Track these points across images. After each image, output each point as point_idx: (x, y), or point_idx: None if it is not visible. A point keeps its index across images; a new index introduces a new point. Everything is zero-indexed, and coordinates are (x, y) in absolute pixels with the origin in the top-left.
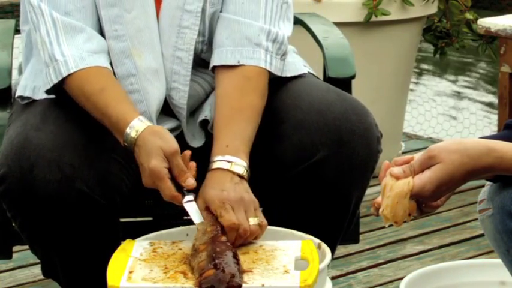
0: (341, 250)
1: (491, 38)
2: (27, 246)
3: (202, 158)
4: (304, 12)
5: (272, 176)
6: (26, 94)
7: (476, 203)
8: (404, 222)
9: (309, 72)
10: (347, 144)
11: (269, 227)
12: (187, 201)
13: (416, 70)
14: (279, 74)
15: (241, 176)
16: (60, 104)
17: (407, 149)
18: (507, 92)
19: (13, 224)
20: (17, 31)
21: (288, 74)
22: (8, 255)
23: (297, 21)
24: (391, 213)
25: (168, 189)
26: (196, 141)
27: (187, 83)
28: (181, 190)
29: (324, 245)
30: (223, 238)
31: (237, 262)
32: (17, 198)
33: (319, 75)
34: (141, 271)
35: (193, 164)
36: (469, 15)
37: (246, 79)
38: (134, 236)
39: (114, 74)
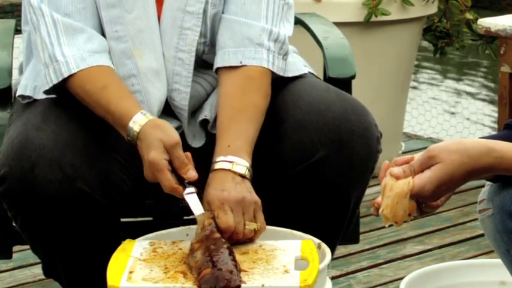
0: (341, 250)
1: (491, 38)
2: (27, 246)
3: (203, 158)
4: (304, 12)
5: (272, 175)
6: (27, 93)
7: (476, 203)
8: (405, 222)
9: (309, 72)
10: (347, 144)
11: (269, 227)
12: (188, 193)
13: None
14: (281, 73)
15: (243, 176)
16: (61, 103)
17: (407, 149)
18: (507, 92)
19: (14, 224)
20: (17, 31)
21: (290, 74)
22: (8, 255)
23: (297, 21)
24: (391, 213)
25: (167, 180)
26: (197, 142)
27: (189, 84)
28: (183, 183)
29: (324, 245)
30: (217, 235)
31: (234, 259)
32: (17, 198)
33: (319, 75)
34: (141, 271)
35: (188, 154)
36: (469, 15)
37: (248, 79)
38: (134, 236)
39: None
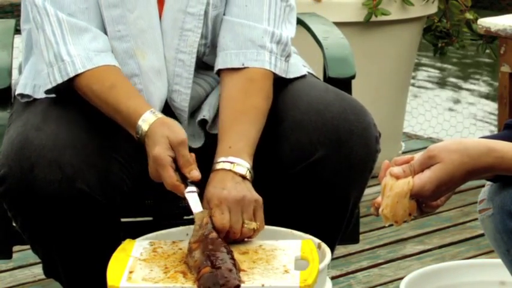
0: (341, 250)
1: (491, 38)
2: (27, 246)
3: (202, 158)
4: (304, 12)
5: (271, 175)
6: (26, 92)
7: (476, 203)
8: (405, 222)
9: (308, 73)
10: (345, 144)
11: (269, 227)
12: (189, 192)
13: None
14: (283, 75)
15: (243, 177)
16: (61, 103)
17: (407, 149)
18: (507, 92)
19: (14, 224)
20: (17, 31)
21: (291, 76)
22: (8, 255)
23: (297, 21)
24: (391, 213)
25: (169, 177)
26: (196, 142)
27: (190, 86)
28: (185, 182)
29: (324, 245)
30: (214, 234)
31: (232, 257)
32: (17, 198)
33: (319, 75)
34: (141, 271)
35: (193, 155)
36: (469, 15)
37: (250, 81)
38: (134, 236)
39: None
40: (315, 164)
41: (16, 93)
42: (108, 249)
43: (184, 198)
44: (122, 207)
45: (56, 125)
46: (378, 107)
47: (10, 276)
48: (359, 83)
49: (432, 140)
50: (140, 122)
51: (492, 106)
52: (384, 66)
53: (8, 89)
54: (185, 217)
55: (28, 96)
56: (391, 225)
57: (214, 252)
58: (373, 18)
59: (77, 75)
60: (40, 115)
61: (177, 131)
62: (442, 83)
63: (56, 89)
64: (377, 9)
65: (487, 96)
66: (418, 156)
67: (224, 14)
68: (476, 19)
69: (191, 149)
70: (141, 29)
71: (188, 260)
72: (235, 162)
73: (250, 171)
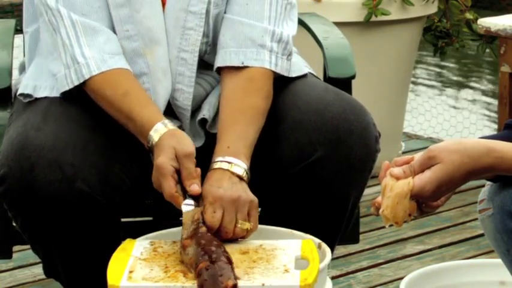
0: (341, 250)
1: (491, 38)
2: (27, 246)
3: (202, 158)
4: (304, 12)
5: (270, 175)
6: (27, 91)
7: (476, 203)
8: (405, 222)
9: (309, 73)
10: (345, 144)
11: (269, 227)
12: (186, 204)
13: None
14: (286, 74)
15: (240, 177)
16: (61, 103)
17: (407, 149)
18: (507, 92)
19: (14, 224)
20: (17, 31)
21: (294, 74)
22: (8, 255)
23: (297, 21)
24: (391, 214)
25: (169, 187)
26: (197, 141)
27: (192, 84)
28: (184, 194)
29: (324, 245)
30: (204, 229)
31: (225, 250)
32: (17, 198)
33: (319, 75)
34: (142, 270)
35: (198, 170)
36: (469, 15)
37: (250, 81)
38: (134, 236)
39: None
40: (315, 163)
41: (18, 93)
42: (108, 249)
43: (180, 211)
44: (122, 207)
45: (56, 125)
46: (378, 107)
47: (10, 276)
48: (359, 83)
49: (432, 140)
50: (152, 133)
51: (492, 106)
52: (384, 66)
53: (8, 89)
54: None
55: (29, 95)
56: (391, 225)
57: (208, 247)
58: (373, 18)
59: (90, 78)
60: (40, 115)
61: (186, 143)
62: (442, 83)
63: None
64: (377, 9)
65: (487, 96)
66: (418, 156)
67: (225, 12)
68: (476, 19)
69: None
70: (148, 28)
71: (183, 257)
72: (233, 162)
73: (247, 172)
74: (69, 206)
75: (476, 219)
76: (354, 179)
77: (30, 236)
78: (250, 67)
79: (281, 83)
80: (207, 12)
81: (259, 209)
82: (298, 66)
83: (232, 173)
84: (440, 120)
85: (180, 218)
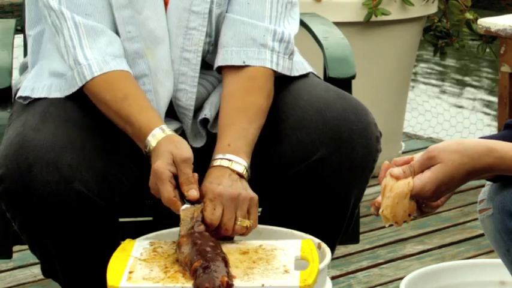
0: (341, 250)
1: (491, 38)
2: (27, 246)
3: (203, 158)
4: (304, 12)
5: (271, 175)
6: (25, 94)
7: (476, 203)
8: (405, 222)
9: (311, 73)
10: (346, 144)
11: (269, 227)
12: (184, 209)
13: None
14: (288, 73)
15: (240, 175)
16: (60, 104)
17: (407, 149)
18: (507, 92)
19: (13, 224)
20: (17, 31)
21: (296, 73)
22: (8, 255)
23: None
24: (391, 214)
25: (167, 192)
26: (198, 141)
27: (195, 84)
28: (183, 200)
29: (324, 245)
30: (202, 227)
31: (221, 250)
32: (15, 199)
33: (319, 75)
34: (141, 271)
35: (195, 175)
36: (469, 15)
37: (251, 80)
38: (134, 236)
39: None
40: (316, 163)
41: (17, 96)
42: (106, 250)
43: (179, 216)
44: (121, 208)
45: (54, 126)
46: (378, 107)
47: (10, 276)
48: (359, 83)
49: (432, 140)
50: (149, 138)
51: (492, 106)
52: (383, 66)
53: (8, 89)
54: None
55: (27, 97)
56: (391, 225)
57: (204, 247)
58: (373, 18)
59: (92, 80)
60: (38, 116)
61: (183, 148)
62: (442, 82)
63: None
64: (377, 9)
65: (487, 96)
66: (418, 156)
67: (227, 12)
68: (476, 19)
69: (194, 149)
70: (149, 30)
71: (178, 256)
72: (233, 160)
73: (247, 170)
74: (66, 207)
75: (476, 219)
76: (354, 179)
77: (28, 237)
78: (251, 66)
79: (282, 82)
80: (210, 11)
81: (260, 208)
82: (301, 65)
83: (233, 170)
84: (440, 120)
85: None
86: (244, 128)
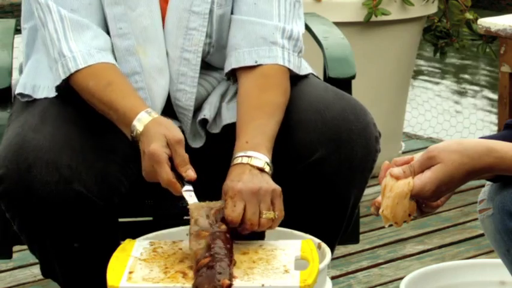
0: (341, 250)
1: (491, 38)
2: (27, 246)
3: (203, 158)
4: (304, 12)
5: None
6: (26, 92)
7: (476, 203)
8: (404, 222)
9: (310, 73)
10: (345, 144)
11: None
12: (186, 190)
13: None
14: (297, 71)
15: (261, 169)
16: (60, 104)
17: (407, 149)
18: (507, 92)
19: (12, 224)
20: (17, 31)
21: (303, 72)
22: (8, 255)
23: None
24: (391, 214)
25: (166, 173)
26: (197, 142)
27: (195, 85)
28: (181, 181)
29: (324, 245)
30: (224, 227)
31: (231, 255)
32: (15, 199)
33: (319, 75)
34: (141, 271)
35: (187, 156)
36: (469, 15)
37: (265, 77)
38: (134, 236)
39: None
40: (315, 163)
41: (16, 92)
42: (105, 251)
43: (181, 197)
44: (121, 208)
45: (53, 126)
46: (377, 107)
47: (10, 276)
48: (359, 83)
49: (432, 140)
50: (135, 122)
51: (492, 106)
52: (383, 66)
53: (8, 89)
54: (185, 217)
55: (28, 96)
56: (391, 225)
57: (217, 248)
58: (373, 18)
59: (77, 72)
60: (38, 116)
61: (175, 130)
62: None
63: (59, 89)
64: (377, 9)
65: (487, 96)
66: (418, 156)
67: (233, 13)
68: (476, 19)
69: (192, 149)
70: (142, 27)
71: (192, 244)
72: (252, 156)
73: (268, 164)
74: (66, 207)
75: (476, 219)
76: (354, 179)
77: (28, 237)
78: (264, 65)
79: None
80: (211, 12)
81: None
82: (304, 65)
83: (252, 166)
84: (440, 120)
85: (185, 217)
86: (262, 124)
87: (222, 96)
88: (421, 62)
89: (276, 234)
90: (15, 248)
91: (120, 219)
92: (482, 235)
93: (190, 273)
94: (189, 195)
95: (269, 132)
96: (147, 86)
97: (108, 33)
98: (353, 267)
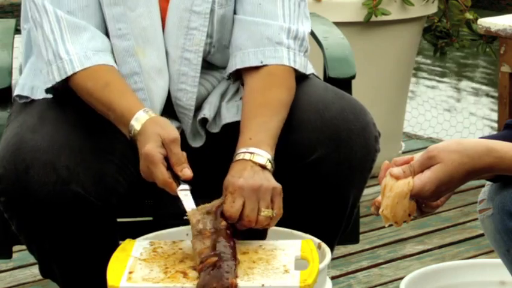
0: (341, 250)
1: (491, 38)
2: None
3: (202, 158)
4: None
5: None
6: (25, 93)
7: (476, 203)
8: (404, 222)
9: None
10: (344, 143)
11: None
12: (181, 190)
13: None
14: (303, 71)
15: (263, 166)
16: (58, 105)
17: (407, 149)
18: (507, 92)
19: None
20: (17, 31)
21: (308, 72)
22: (8, 255)
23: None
24: (391, 214)
25: (161, 174)
26: (197, 141)
27: (196, 84)
28: (177, 180)
29: (324, 245)
30: (224, 223)
31: (235, 254)
32: (12, 199)
33: (319, 75)
34: (141, 271)
35: (184, 154)
36: (469, 15)
37: (270, 75)
38: (134, 236)
39: None
40: (314, 163)
41: (14, 94)
42: (103, 251)
43: (177, 197)
44: (121, 208)
45: (51, 127)
46: (377, 107)
47: (10, 276)
48: (359, 83)
49: (432, 140)
50: (133, 121)
51: (492, 106)
52: (383, 66)
53: (8, 89)
54: (185, 217)
55: (26, 97)
56: (391, 225)
57: (223, 247)
58: (373, 18)
59: (74, 74)
60: (36, 117)
61: (170, 129)
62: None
63: (54, 90)
64: (377, 9)
65: (487, 96)
66: (417, 156)
67: (237, 13)
68: (476, 19)
69: (192, 149)
70: (142, 28)
71: (195, 244)
72: (254, 152)
73: (270, 162)
74: (63, 208)
75: (476, 219)
76: (353, 179)
77: (26, 237)
78: (269, 65)
79: None
80: (212, 12)
81: None
82: (309, 65)
83: (254, 162)
84: (441, 120)
85: (185, 217)
86: (265, 121)
87: (222, 96)
88: (421, 62)
89: (275, 234)
90: (15, 248)
91: (120, 219)
92: (482, 235)
93: (191, 273)
94: (184, 194)
95: (273, 129)
96: (147, 86)
97: (107, 34)
98: (353, 267)
